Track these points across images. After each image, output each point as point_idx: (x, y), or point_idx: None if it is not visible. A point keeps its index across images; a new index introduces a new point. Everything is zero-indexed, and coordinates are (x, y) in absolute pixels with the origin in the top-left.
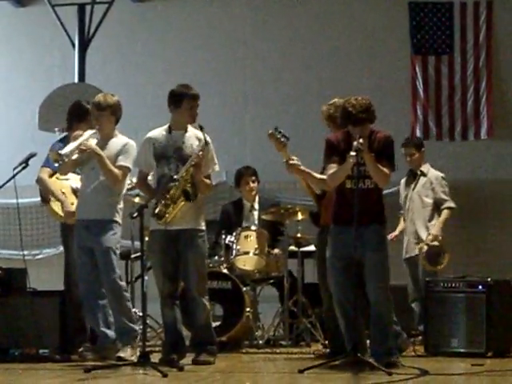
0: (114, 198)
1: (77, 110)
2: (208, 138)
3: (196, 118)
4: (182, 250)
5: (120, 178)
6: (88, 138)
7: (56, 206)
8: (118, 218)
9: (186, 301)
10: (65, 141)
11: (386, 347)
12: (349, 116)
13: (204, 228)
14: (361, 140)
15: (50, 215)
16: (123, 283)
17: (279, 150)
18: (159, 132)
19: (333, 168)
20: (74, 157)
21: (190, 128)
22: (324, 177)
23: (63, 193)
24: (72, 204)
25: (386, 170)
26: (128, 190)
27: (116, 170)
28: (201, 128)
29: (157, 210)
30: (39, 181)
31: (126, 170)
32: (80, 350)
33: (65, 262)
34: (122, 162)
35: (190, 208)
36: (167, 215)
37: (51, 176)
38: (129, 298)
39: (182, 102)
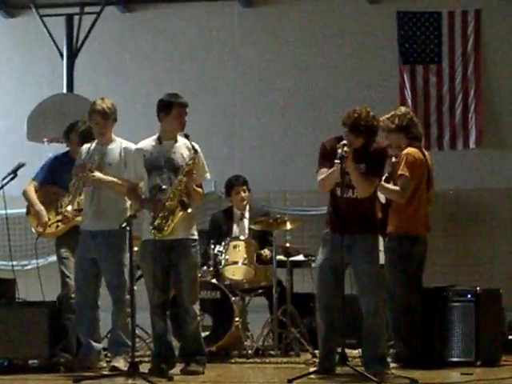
0: (122, 205)
1: (68, 125)
2: (197, 146)
3: (184, 126)
4: (174, 259)
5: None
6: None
7: (33, 219)
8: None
9: (176, 310)
10: (63, 158)
11: (378, 357)
12: (351, 121)
13: (196, 237)
14: (345, 148)
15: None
16: (128, 297)
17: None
18: (149, 143)
19: (323, 173)
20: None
21: (179, 138)
22: (396, 188)
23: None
24: (48, 220)
25: (371, 180)
26: None
27: (127, 184)
28: (186, 136)
29: (156, 224)
30: (23, 193)
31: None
32: (55, 359)
33: (60, 272)
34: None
35: (183, 218)
36: (166, 228)
37: (40, 187)
38: (129, 313)
39: (171, 109)
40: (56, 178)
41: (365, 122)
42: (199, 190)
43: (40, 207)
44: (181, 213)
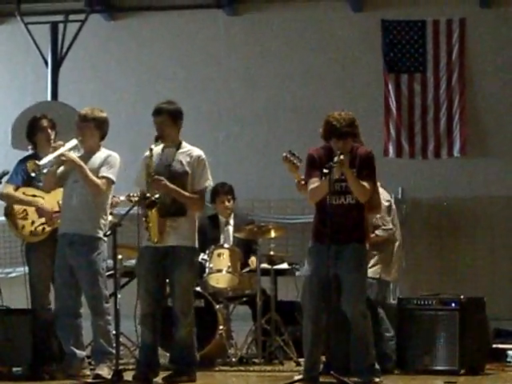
0: (99, 213)
1: (28, 124)
2: (199, 152)
3: (162, 132)
4: (168, 267)
5: (103, 188)
6: (69, 148)
7: (12, 221)
8: (102, 235)
9: (169, 318)
10: (31, 159)
11: (367, 365)
12: (333, 130)
13: (193, 246)
14: (342, 156)
15: (11, 231)
16: (107, 305)
17: (292, 171)
18: (156, 150)
19: (314, 183)
20: (59, 169)
21: (184, 144)
22: None
23: (25, 210)
24: (33, 222)
25: (366, 184)
26: (112, 206)
27: (98, 180)
28: (156, 139)
29: (148, 230)
30: (3, 196)
31: (109, 181)
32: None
33: (30, 283)
34: (104, 172)
35: (182, 225)
36: (151, 233)
37: (15, 191)
38: (110, 321)
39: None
40: (29, 179)
41: (345, 121)
42: (194, 196)
43: (40, 201)
44: (153, 213)
